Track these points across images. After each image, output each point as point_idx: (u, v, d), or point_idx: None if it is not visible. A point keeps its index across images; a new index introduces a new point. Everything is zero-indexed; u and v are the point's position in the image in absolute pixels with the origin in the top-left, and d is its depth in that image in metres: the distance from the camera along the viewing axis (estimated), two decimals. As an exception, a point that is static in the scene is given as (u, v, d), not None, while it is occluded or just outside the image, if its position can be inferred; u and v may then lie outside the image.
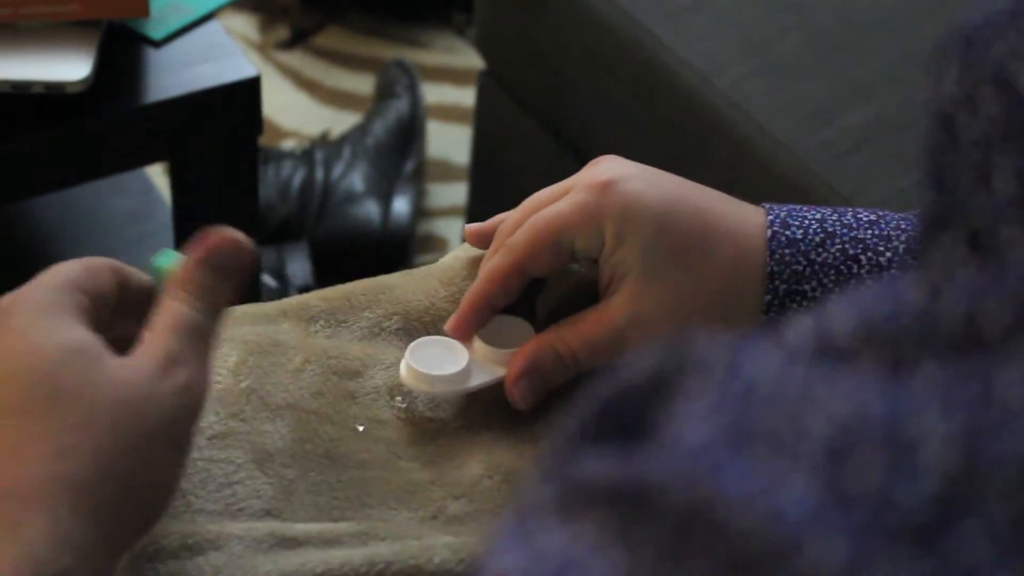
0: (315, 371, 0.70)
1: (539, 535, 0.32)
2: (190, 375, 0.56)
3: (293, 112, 1.96)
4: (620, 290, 0.68)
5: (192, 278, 0.58)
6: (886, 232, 0.68)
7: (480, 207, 1.61)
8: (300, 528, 0.63)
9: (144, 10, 1.16)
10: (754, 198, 0.71)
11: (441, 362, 0.69)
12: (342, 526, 0.63)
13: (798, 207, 0.70)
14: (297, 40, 2.06)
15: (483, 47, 1.54)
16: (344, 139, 1.82)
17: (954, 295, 0.32)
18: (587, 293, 0.71)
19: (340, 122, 1.93)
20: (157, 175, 1.71)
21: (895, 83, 1.24)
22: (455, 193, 1.87)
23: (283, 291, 1.61)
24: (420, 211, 1.84)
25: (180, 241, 1.30)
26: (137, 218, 1.48)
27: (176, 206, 1.30)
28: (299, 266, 1.66)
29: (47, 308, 0.56)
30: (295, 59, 2.03)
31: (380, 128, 1.83)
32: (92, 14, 1.15)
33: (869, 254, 0.68)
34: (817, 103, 1.25)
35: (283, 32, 2.07)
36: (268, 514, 0.64)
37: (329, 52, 2.05)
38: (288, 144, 1.90)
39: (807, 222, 0.68)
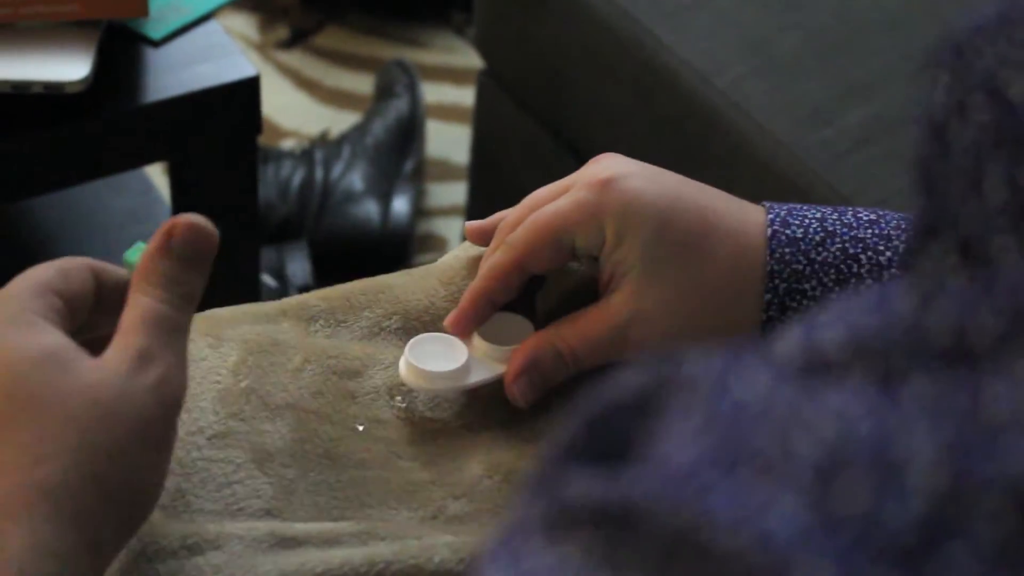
0: (315, 371, 0.70)
1: (525, 556, 0.32)
2: (163, 370, 0.55)
3: (293, 112, 1.96)
4: (620, 288, 0.68)
5: (155, 269, 0.57)
6: (886, 231, 0.68)
7: (480, 206, 1.61)
8: (300, 528, 0.63)
9: (143, 10, 1.16)
10: (754, 197, 0.71)
11: (440, 359, 0.69)
12: (342, 526, 0.63)
13: (798, 206, 0.69)
14: (296, 40, 2.06)
15: (482, 47, 1.54)
16: (344, 139, 1.82)
17: (944, 306, 0.32)
18: (587, 291, 0.71)
19: (340, 122, 1.93)
20: (157, 175, 1.71)
21: (895, 82, 1.24)
22: (455, 193, 1.87)
23: (283, 291, 1.61)
24: (420, 210, 1.84)
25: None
26: (137, 218, 1.48)
27: (176, 206, 1.30)
28: (299, 266, 1.66)
29: (18, 314, 0.55)
30: (295, 59, 2.03)
31: (380, 128, 1.83)
32: (91, 14, 1.14)
33: (869, 253, 0.68)
34: (817, 102, 1.25)
35: (282, 32, 2.07)
36: (268, 514, 0.64)
37: (329, 52, 2.05)
38: (288, 144, 1.90)
39: (807, 221, 0.68)
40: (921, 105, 0.37)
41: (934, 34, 0.37)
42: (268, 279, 1.62)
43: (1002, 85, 0.35)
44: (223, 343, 0.70)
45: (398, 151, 1.82)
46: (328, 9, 2.09)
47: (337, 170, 1.78)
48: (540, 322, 0.71)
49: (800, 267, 0.67)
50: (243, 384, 0.69)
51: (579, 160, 0.72)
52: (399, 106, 1.86)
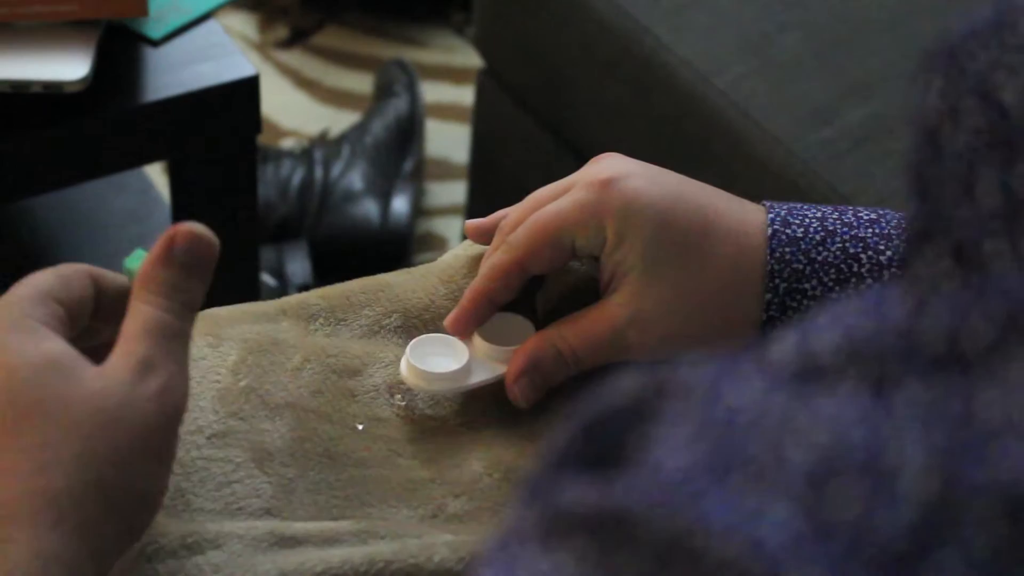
0: (314, 370, 0.70)
1: (521, 562, 0.32)
2: (165, 379, 0.55)
3: (292, 111, 1.96)
4: (621, 288, 0.68)
5: (156, 277, 0.57)
6: (886, 231, 0.68)
7: (479, 206, 1.61)
8: (299, 527, 0.63)
9: (143, 9, 1.16)
10: (753, 197, 0.71)
11: (441, 360, 0.69)
12: (342, 524, 0.63)
13: (799, 205, 0.69)
14: (296, 39, 2.06)
15: (482, 46, 1.54)
16: (343, 138, 1.82)
17: (937, 311, 0.32)
18: (587, 291, 0.71)
19: (339, 121, 1.93)
20: (156, 174, 1.71)
21: (895, 81, 1.24)
22: (454, 192, 1.87)
23: (282, 290, 1.61)
24: (419, 210, 1.84)
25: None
26: (136, 217, 1.48)
27: (175, 205, 1.30)
28: (298, 265, 1.66)
29: (20, 321, 0.55)
30: (294, 58, 2.03)
31: (379, 127, 1.83)
32: (91, 14, 1.14)
33: (870, 252, 0.68)
34: (816, 102, 1.24)
35: (282, 31, 2.07)
36: (268, 513, 0.64)
37: (328, 51, 2.05)
38: (287, 143, 1.90)
39: (808, 220, 0.68)
40: (915, 109, 0.37)
41: (934, 34, 0.37)
42: (267, 278, 1.63)
43: (995, 89, 0.35)
44: (222, 342, 0.70)
45: (397, 150, 1.82)
46: (327, 8, 2.09)
47: (337, 169, 1.78)
48: (540, 322, 0.71)
49: (800, 266, 0.67)
50: (243, 383, 0.69)
51: (579, 159, 0.72)
52: (398, 105, 1.86)
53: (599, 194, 0.68)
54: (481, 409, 0.70)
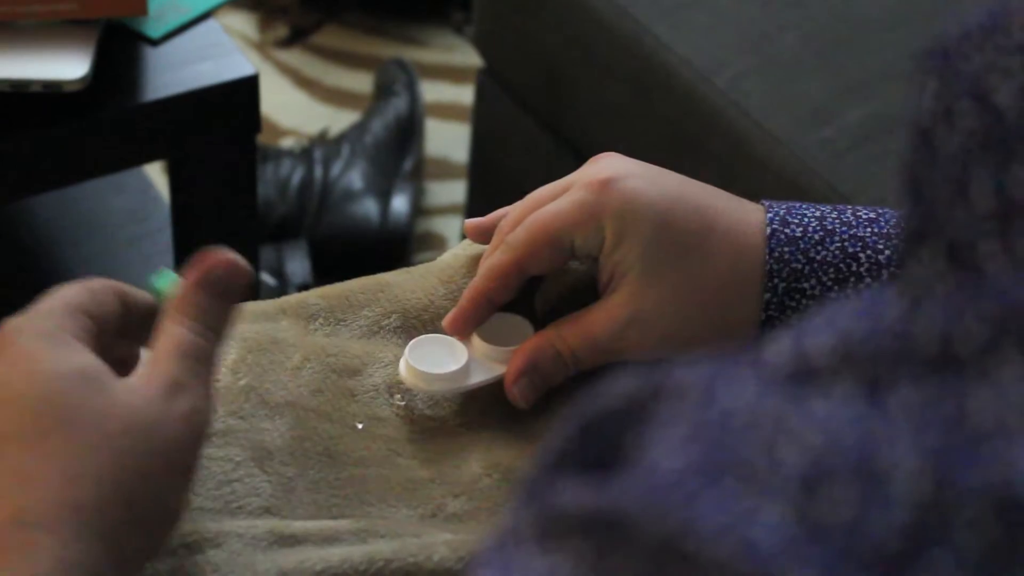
0: (314, 369, 0.70)
1: (517, 564, 0.32)
2: (194, 401, 0.56)
3: (292, 110, 1.96)
4: (620, 288, 0.68)
5: (191, 301, 0.59)
6: (885, 230, 0.68)
7: (479, 205, 1.61)
8: (299, 526, 0.63)
9: (142, 8, 1.16)
10: (753, 196, 0.71)
11: (440, 360, 0.69)
12: (341, 524, 0.63)
13: (797, 204, 0.69)
14: (296, 38, 2.06)
15: (481, 45, 1.54)
16: (343, 137, 1.83)
17: (931, 313, 0.32)
18: (586, 291, 0.71)
19: (339, 120, 1.93)
20: (156, 174, 1.71)
21: (894, 81, 1.24)
22: (454, 191, 1.87)
23: (282, 289, 1.62)
24: (419, 209, 1.84)
25: (179, 240, 1.30)
26: (136, 217, 1.48)
27: (175, 205, 1.30)
28: (298, 264, 1.66)
29: (53, 332, 0.56)
30: (294, 57, 2.03)
31: (379, 126, 1.83)
32: (90, 13, 1.14)
33: (868, 252, 0.68)
34: (816, 101, 1.25)
35: (282, 30, 2.07)
36: (267, 512, 0.64)
37: (328, 50, 2.05)
38: (287, 142, 1.90)
39: (806, 220, 0.68)
40: (910, 110, 0.37)
41: (933, 33, 0.37)
42: (267, 277, 1.63)
43: (989, 91, 0.35)
44: (222, 342, 0.70)
45: (397, 150, 1.82)
46: (327, 8, 2.09)
47: (336, 169, 1.78)
48: (539, 323, 0.71)
49: (799, 266, 0.67)
50: (242, 382, 0.69)
51: (578, 158, 0.72)
52: (398, 105, 1.86)
53: (598, 194, 0.68)
54: (480, 409, 0.70)
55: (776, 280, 0.67)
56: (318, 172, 1.77)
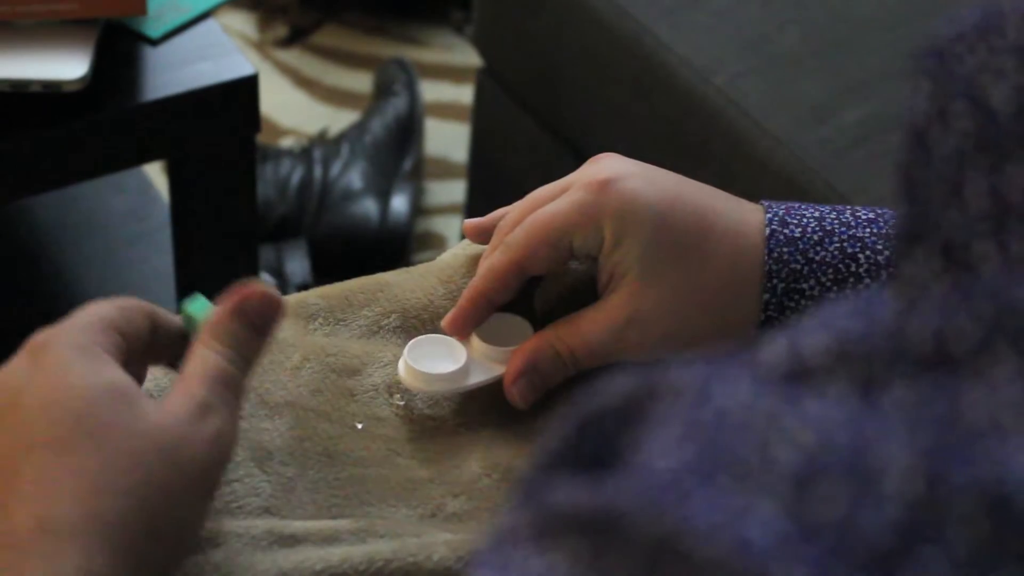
0: (314, 369, 0.70)
1: (514, 563, 0.32)
2: (220, 424, 0.57)
3: (291, 110, 1.96)
4: (619, 289, 0.68)
5: (225, 329, 0.59)
6: (884, 230, 0.68)
7: (478, 205, 1.61)
8: (299, 526, 0.63)
9: (142, 8, 1.16)
10: (752, 196, 0.71)
11: (439, 360, 0.69)
12: (341, 523, 0.63)
13: (797, 205, 0.70)
14: (295, 38, 2.06)
15: (481, 45, 1.54)
16: (342, 137, 1.83)
17: (925, 313, 0.32)
18: (585, 291, 0.71)
19: (338, 120, 1.93)
20: (155, 173, 1.71)
21: (893, 80, 1.24)
22: (453, 191, 1.87)
23: (281, 289, 1.61)
24: (418, 209, 1.84)
25: (179, 240, 1.30)
26: (135, 217, 1.48)
27: (174, 204, 1.30)
28: (297, 264, 1.66)
29: (86, 345, 0.57)
30: (293, 57, 2.03)
31: (378, 126, 1.83)
32: (90, 13, 1.14)
33: (867, 252, 0.68)
34: (815, 100, 1.25)
35: (281, 30, 2.07)
36: (267, 512, 0.64)
37: (327, 50, 2.05)
38: (286, 142, 1.90)
39: (805, 220, 0.68)
40: (905, 111, 0.38)
41: (927, 34, 0.37)
42: (267, 277, 1.63)
43: (983, 92, 0.35)
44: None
45: (397, 149, 1.82)
46: (327, 7, 2.09)
47: (336, 168, 1.78)
48: (539, 323, 0.71)
49: (798, 266, 0.67)
50: (242, 383, 0.69)
51: (578, 158, 0.73)
52: (398, 104, 1.86)
53: (597, 195, 0.68)
54: (480, 409, 0.70)
55: (775, 281, 0.67)
56: (318, 172, 1.77)
